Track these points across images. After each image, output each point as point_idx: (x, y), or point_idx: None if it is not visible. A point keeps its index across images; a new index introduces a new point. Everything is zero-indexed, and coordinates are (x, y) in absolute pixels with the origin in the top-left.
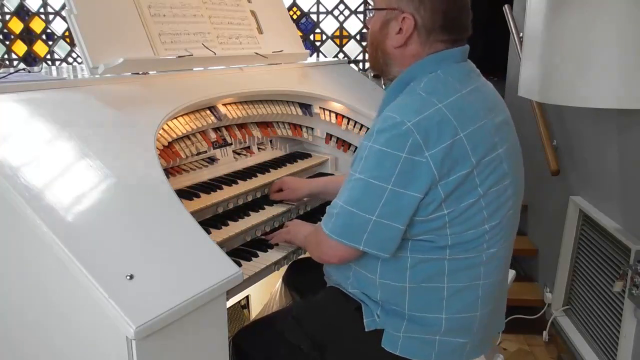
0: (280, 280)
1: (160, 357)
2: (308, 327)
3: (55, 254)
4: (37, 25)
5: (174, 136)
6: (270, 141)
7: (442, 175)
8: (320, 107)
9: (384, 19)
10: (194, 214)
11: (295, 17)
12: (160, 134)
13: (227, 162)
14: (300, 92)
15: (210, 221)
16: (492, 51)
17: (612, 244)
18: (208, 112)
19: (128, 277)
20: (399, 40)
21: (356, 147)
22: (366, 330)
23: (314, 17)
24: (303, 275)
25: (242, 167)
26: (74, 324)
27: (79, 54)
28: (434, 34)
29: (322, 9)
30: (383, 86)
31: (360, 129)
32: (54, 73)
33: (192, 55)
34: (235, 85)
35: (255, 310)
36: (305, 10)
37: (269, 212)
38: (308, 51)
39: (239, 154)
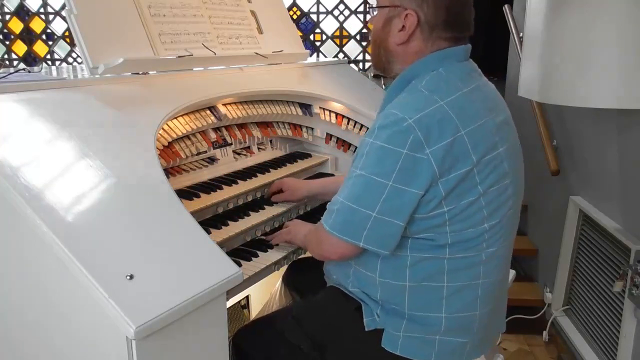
0: (280, 280)
1: (160, 357)
2: (308, 327)
3: (55, 254)
4: (37, 25)
5: (174, 136)
6: (270, 141)
7: (442, 173)
8: (320, 107)
9: (386, 17)
10: (194, 214)
11: (295, 17)
12: (160, 134)
13: (227, 162)
14: (300, 92)
15: (210, 221)
16: (492, 51)
17: (612, 244)
18: (208, 112)
19: (128, 277)
20: (402, 38)
21: (356, 147)
22: (366, 329)
23: (314, 17)
24: (303, 275)
25: (242, 167)
26: (74, 324)
27: (79, 54)
28: (436, 30)
29: (322, 9)
30: (383, 86)
31: (360, 129)
32: (54, 73)
33: (192, 55)
34: (235, 85)
35: (255, 310)
36: (305, 10)
37: (269, 212)
38: (308, 51)
39: (239, 154)
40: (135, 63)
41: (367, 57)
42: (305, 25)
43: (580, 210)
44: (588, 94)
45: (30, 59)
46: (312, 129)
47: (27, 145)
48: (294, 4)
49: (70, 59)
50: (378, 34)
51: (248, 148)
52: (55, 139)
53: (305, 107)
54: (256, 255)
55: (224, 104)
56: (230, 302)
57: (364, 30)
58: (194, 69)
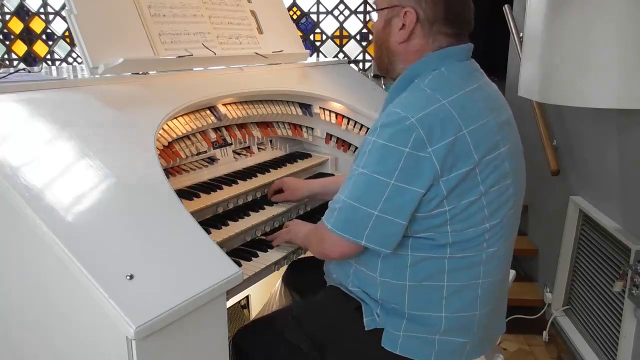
0: (280, 280)
1: (160, 357)
2: (308, 326)
3: (55, 254)
4: (37, 25)
5: (174, 136)
6: (270, 141)
7: (444, 171)
8: (320, 107)
9: (386, 18)
10: (194, 214)
11: (295, 17)
12: (160, 134)
13: (227, 162)
14: (300, 92)
15: (210, 221)
16: (492, 50)
17: (612, 244)
18: (208, 112)
19: (128, 277)
20: (403, 36)
21: (356, 147)
22: (366, 329)
23: (314, 17)
24: (303, 275)
25: (242, 167)
26: (74, 324)
27: (79, 54)
28: (436, 26)
29: (322, 9)
30: (383, 86)
31: (360, 129)
32: (54, 73)
33: (192, 55)
34: (235, 85)
35: (255, 310)
36: (305, 10)
37: (269, 212)
38: (308, 51)
39: (239, 154)
40: (135, 63)
41: (367, 57)
42: (305, 25)
43: (580, 210)
44: (588, 94)
45: (30, 59)
46: (312, 129)
47: (27, 145)
48: (294, 4)
49: (70, 59)
50: (380, 35)
51: (248, 148)
52: (55, 139)
53: (305, 107)
54: (256, 255)
55: (224, 104)
56: (230, 302)
57: (364, 30)
58: (194, 69)
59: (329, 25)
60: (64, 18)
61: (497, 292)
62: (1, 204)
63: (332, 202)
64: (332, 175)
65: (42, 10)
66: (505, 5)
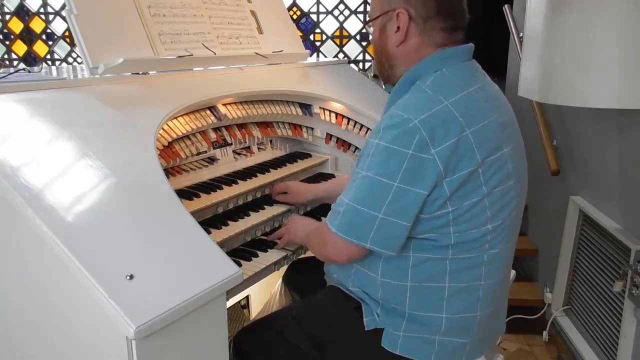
0: (280, 280)
1: (160, 357)
2: (308, 327)
3: (55, 254)
4: (37, 25)
5: (174, 136)
6: (270, 141)
7: (447, 173)
8: (320, 107)
9: (381, 25)
10: (194, 214)
11: (295, 17)
12: (160, 134)
13: (227, 162)
14: (300, 92)
15: (210, 221)
16: (490, 50)
17: (612, 244)
18: (208, 112)
19: (128, 277)
20: (399, 38)
21: (356, 147)
22: (366, 329)
23: (314, 17)
24: (303, 275)
25: (242, 167)
26: (74, 324)
27: (79, 54)
28: (430, 22)
29: (322, 9)
30: (383, 86)
31: (360, 129)
32: (54, 73)
33: (192, 55)
34: (235, 85)
35: (255, 310)
36: (305, 10)
37: (269, 212)
38: (308, 51)
39: (239, 154)
40: (135, 63)
41: (367, 57)
42: (305, 25)
43: (580, 210)
44: (588, 94)
45: (30, 59)
46: (312, 129)
47: (27, 145)
48: (294, 4)
49: (70, 59)
50: (377, 42)
51: (248, 148)
52: (55, 139)
53: (305, 107)
54: (256, 255)
55: (224, 104)
56: (230, 302)
57: (364, 30)
58: (194, 69)
59: (329, 25)
60: (64, 18)
61: (498, 293)
62: (1, 204)
63: (335, 205)
64: (332, 175)
65: (42, 10)
66: (505, 5)
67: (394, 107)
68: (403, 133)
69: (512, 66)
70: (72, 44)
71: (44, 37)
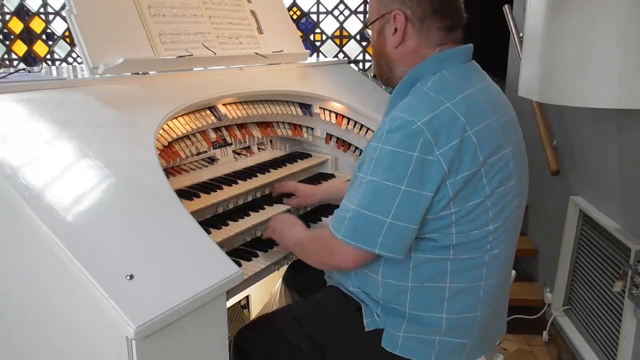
0: (280, 280)
1: (160, 357)
2: (308, 327)
3: (55, 254)
4: (37, 25)
5: (174, 136)
6: (270, 141)
7: (451, 173)
8: (320, 107)
9: (379, 28)
10: (194, 214)
11: (295, 17)
12: (160, 134)
13: (227, 162)
14: (300, 92)
15: (210, 221)
16: (490, 50)
17: (612, 244)
18: (208, 112)
19: (128, 277)
20: (397, 39)
21: (356, 147)
22: (366, 330)
23: (314, 17)
24: (303, 275)
25: (242, 167)
26: (74, 324)
27: (79, 54)
28: (427, 21)
29: (322, 9)
30: (383, 87)
31: (360, 129)
32: (54, 73)
33: (192, 55)
34: (235, 85)
35: (255, 310)
36: (305, 10)
37: (269, 212)
38: (308, 51)
39: (239, 154)
40: (135, 63)
41: (367, 57)
42: (305, 25)
43: (580, 210)
44: (588, 94)
45: (30, 59)
46: (312, 129)
47: (27, 145)
48: (294, 4)
49: (70, 59)
50: (376, 46)
51: (248, 148)
52: (55, 139)
53: (305, 107)
54: (256, 255)
55: (224, 104)
56: (230, 302)
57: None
58: (194, 69)
59: (329, 25)
60: (64, 18)
61: (498, 293)
62: (1, 204)
63: (339, 211)
64: (332, 175)
65: (42, 10)
66: (505, 5)
67: (395, 109)
68: (407, 135)
69: (512, 66)
70: (72, 44)
71: (44, 37)
